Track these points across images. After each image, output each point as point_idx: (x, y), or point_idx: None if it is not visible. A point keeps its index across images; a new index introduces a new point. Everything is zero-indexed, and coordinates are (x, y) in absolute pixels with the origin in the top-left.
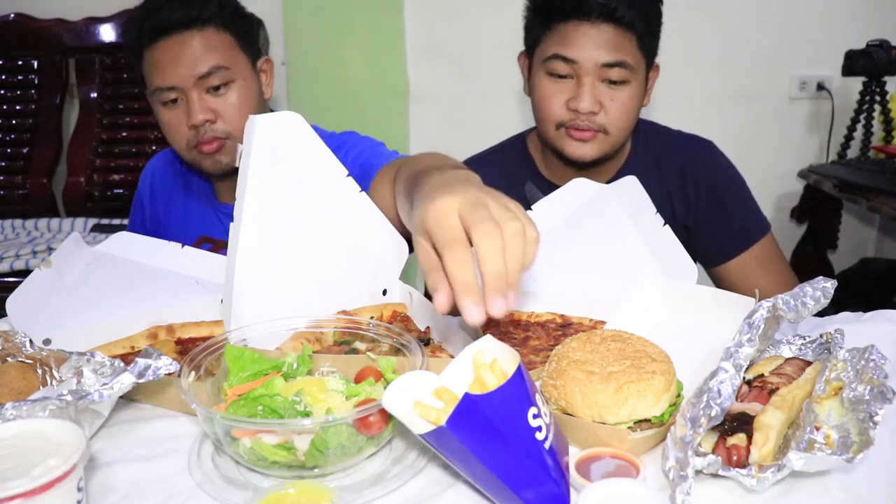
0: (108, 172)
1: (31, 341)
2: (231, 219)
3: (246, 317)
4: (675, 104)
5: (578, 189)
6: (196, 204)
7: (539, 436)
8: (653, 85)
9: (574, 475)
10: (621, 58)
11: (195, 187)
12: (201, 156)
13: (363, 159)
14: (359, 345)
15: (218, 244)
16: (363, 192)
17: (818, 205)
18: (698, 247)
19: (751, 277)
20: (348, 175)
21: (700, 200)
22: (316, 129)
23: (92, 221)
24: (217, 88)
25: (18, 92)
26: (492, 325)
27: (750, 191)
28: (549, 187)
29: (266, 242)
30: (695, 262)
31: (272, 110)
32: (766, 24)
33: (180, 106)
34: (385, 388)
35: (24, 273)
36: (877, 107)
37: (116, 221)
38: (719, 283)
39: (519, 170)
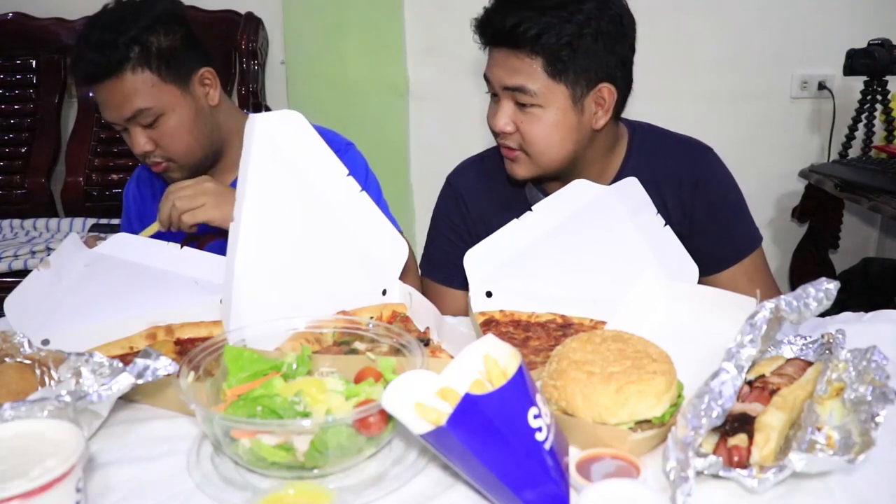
0: (107, 172)
1: (29, 342)
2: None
3: (245, 317)
4: (675, 104)
5: (579, 190)
6: None
7: (539, 436)
8: (610, 107)
9: (574, 476)
10: (520, 83)
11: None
12: (156, 172)
13: None
14: (358, 345)
15: (203, 239)
16: (363, 192)
17: (819, 204)
18: (691, 254)
19: (739, 289)
20: (349, 174)
21: (697, 208)
22: (320, 129)
23: (90, 221)
24: (149, 124)
25: (17, 91)
26: (492, 326)
27: (745, 201)
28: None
29: (266, 242)
30: None
31: (268, 108)
32: (766, 23)
33: (128, 135)
34: (385, 388)
35: (23, 273)
36: (878, 106)
37: (115, 221)
38: None
39: None
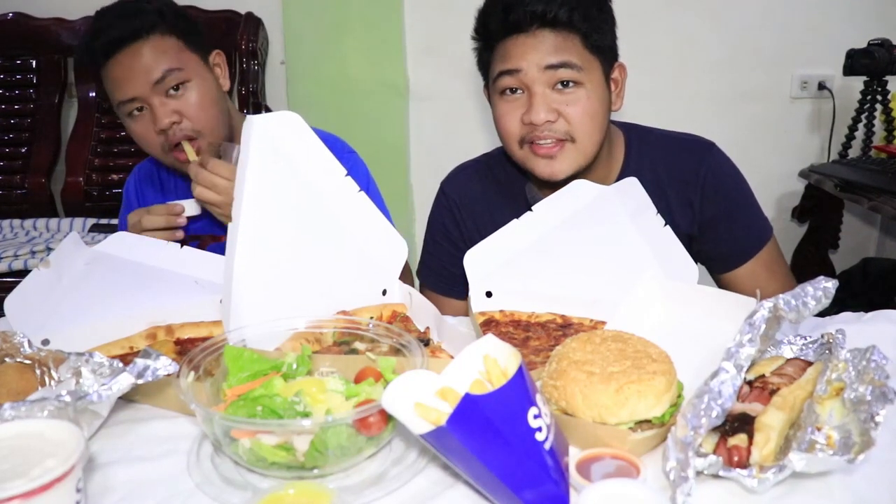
0: (107, 172)
1: (29, 342)
2: (208, 211)
3: (245, 317)
4: (675, 104)
5: (579, 190)
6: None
7: (539, 436)
8: (622, 87)
9: (574, 476)
10: (565, 58)
11: (171, 191)
12: (178, 159)
13: None
14: (358, 345)
15: (204, 239)
16: (362, 192)
17: (819, 204)
18: (705, 253)
19: (760, 282)
20: (347, 174)
21: (706, 207)
22: (322, 134)
23: (91, 221)
24: (176, 89)
25: (17, 91)
26: (492, 326)
27: (752, 192)
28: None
29: (264, 242)
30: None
31: (268, 109)
32: (766, 23)
33: (145, 114)
34: (385, 388)
35: (23, 273)
36: (878, 106)
37: (115, 221)
38: (727, 288)
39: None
